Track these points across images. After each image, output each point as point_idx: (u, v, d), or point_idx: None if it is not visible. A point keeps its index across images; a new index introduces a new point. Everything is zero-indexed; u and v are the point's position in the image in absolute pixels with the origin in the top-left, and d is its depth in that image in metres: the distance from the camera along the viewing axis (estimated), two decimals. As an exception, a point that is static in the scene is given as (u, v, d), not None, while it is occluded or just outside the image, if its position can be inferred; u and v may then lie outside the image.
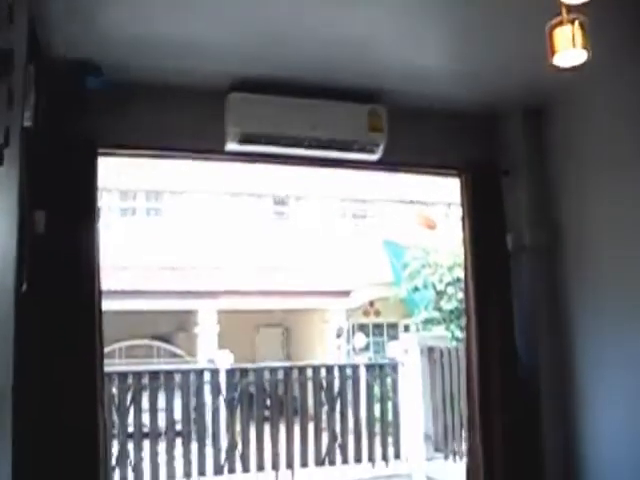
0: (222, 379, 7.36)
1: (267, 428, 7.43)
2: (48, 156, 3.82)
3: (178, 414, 7.21)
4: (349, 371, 7.83)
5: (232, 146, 4.26)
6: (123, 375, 7.03)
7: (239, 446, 7.19)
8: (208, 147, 4.40)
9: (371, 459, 7.60)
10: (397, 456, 7.67)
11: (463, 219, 4.91)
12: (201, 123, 4.31)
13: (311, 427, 7.58)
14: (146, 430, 7.01)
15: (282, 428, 7.49)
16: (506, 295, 4.79)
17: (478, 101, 4.69)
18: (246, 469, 7.17)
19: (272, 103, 4.22)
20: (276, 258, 15.81)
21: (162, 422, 7.11)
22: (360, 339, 15.81)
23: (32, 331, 3.55)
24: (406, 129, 4.59)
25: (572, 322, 4.70)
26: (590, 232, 4.59)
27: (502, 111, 4.86)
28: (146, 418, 7.01)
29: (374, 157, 4.48)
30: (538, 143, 4.87)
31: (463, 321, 6.64)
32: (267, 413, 7.63)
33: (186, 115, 4.32)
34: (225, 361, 8.39)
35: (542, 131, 4.86)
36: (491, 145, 4.93)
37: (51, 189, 3.86)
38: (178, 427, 7.19)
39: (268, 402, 7.74)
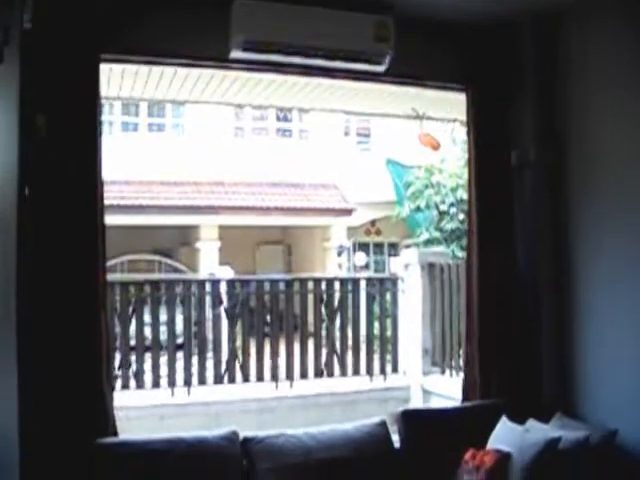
0: (223, 289, 7.43)
1: (267, 344, 7.54)
2: (49, 60, 3.76)
3: (179, 328, 7.31)
4: (350, 285, 7.89)
5: (236, 54, 4.18)
6: (124, 285, 7.09)
7: (239, 357, 7.32)
8: (211, 54, 4.34)
9: (369, 372, 7.74)
10: (395, 370, 7.81)
11: (468, 134, 4.89)
12: (205, 30, 4.23)
13: (311, 343, 7.70)
14: (148, 343, 7.12)
15: (282, 343, 7.61)
16: (508, 211, 4.81)
17: (487, 11, 4.58)
18: (246, 379, 7.31)
19: (278, 10, 4.12)
20: (278, 175, 15.76)
21: (163, 335, 7.21)
22: (361, 257, 15.92)
23: (35, 237, 3.58)
24: (413, 41, 4.52)
25: (574, 237, 4.71)
26: (595, 148, 4.56)
27: (510, 21, 4.76)
28: (148, 332, 7.11)
29: (380, 68, 4.41)
30: (547, 57, 4.79)
31: (464, 242, 6.68)
32: (267, 329, 7.73)
33: (190, 21, 4.23)
34: (226, 275, 8.47)
35: (552, 44, 4.78)
36: (498, 60, 4.84)
37: (53, 93, 3.81)
38: (179, 340, 7.29)
39: (268, 318, 7.83)
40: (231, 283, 7.55)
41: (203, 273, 13.27)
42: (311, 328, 7.79)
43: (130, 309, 6.99)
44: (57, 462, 3.64)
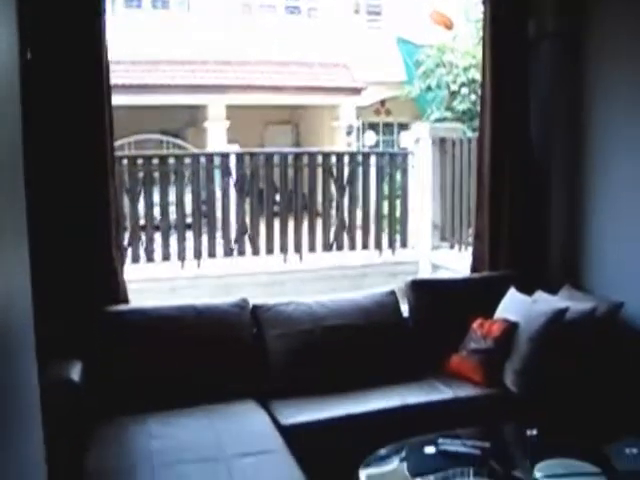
0: (232, 162, 7.35)
1: (276, 223, 7.53)
2: None
3: (188, 208, 7.29)
4: (359, 158, 7.80)
5: None
6: (132, 159, 7.03)
7: (249, 231, 7.32)
8: None
9: (378, 246, 7.76)
10: (404, 244, 7.82)
11: (485, 4, 4.70)
12: None
13: (319, 221, 7.69)
14: (157, 223, 7.12)
15: (291, 222, 7.60)
16: (523, 89, 4.67)
17: None
18: (256, 252, 7.33)
19: None
20: (287, 54, 15.42)
21: (172, 215, 7.20)
22: (370, 137, 15.76)
23: (41, 108, 3.51)
24: None
25: (588, 111, 4.61)
26: (614, 21, 4.40)
27: None
28: (157, 212, 7.09)
29: None
30: None
31: (476, 123, 6.56)
32: (276, 209, 7.71)
33: None
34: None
35: None
36: None
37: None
38: (189, 220, 7.28)
39: (277, 198, 7.79)
40: (240, 156, 7.45)
41: (211, 152, 13.16)
42: (320, 208, 7.76)
43: (139, 186, 6.94)
44: (69, 330, 3.68)
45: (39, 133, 3.46)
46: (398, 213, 7.88)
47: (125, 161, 6.86)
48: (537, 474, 3.18)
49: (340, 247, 7.62)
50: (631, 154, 4.35)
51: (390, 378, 3.92)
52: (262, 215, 7.47)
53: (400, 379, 3.93)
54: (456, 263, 6.51)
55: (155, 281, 6.56)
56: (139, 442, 3.21)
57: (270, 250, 7.39)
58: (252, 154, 7.53)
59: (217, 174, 7.38)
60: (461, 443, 3.34)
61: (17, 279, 2.46)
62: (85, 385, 3.41)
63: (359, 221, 7.75)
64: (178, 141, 14.79)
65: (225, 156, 7.44)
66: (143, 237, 6.96)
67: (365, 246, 7.73)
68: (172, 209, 7.19)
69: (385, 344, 4.08)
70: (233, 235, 7.30)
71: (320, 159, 7.68)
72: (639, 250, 4.33)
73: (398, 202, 7.91)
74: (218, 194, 7.40)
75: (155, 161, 7.17)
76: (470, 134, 8.64)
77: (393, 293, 4.31)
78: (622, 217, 4.44)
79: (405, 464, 3.25)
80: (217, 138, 14.46)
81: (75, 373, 3.35)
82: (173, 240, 7.12)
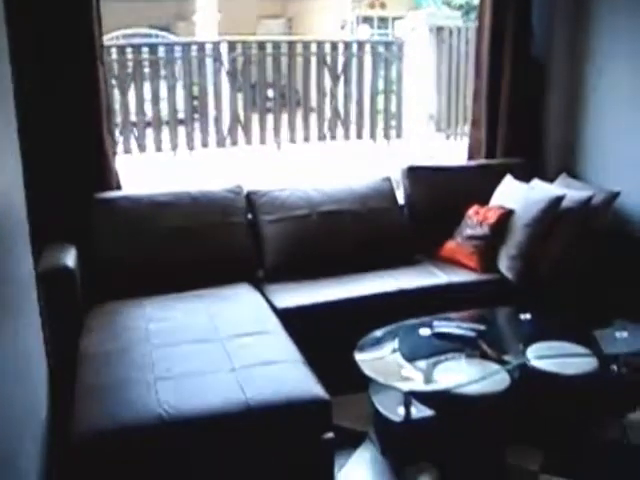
0: (224, 50, 7.13)
1: (270, 118, 7.38)
2: None
3: (180, 104, 7.12)
4: (354, 47, 7.59)
5: None
6: (121, 49, 6.83)
7: (242, 121, 7.19)
8: None
9: (372, 137, 7.64)
10: (399, 135, 7.71)
11: None
12: None
13: (313, 116, 7.54)
14: (148, 119, 6.97)
15: (284, 117, 7.45)
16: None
17: None
18: (249, 142, 7.22)
19: None
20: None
21: (164, 111, 7.04)
22: (364, 30, 15.39)
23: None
24: None
25: (590, 11, 4.50)
26: None
27: None
28: (148, 108, 6.93)
29: None
30: None
31: (472, 16, 6.38)
32: (269, 104, 7.55)
33: None
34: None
35: None
36: None
37: None
38: (181, 116, 7.13)
39: (270, 93, 7.63)
40: (232, 45, 7.22)
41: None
42: (314, 104, 7.58)
43: (129, 78, 6.77)
44: (64, 217, 3.65)
45: (23, 19, 3.34)
46: (394, 104, 7.73)
47: (114, 50, 6.67)
48: (529, 355, 3.24)
49: (334, 137, 7.49)
50: (632, 46, 4.27)
51: (385, 263, 3.94)
52: (255, 110, 7.32)
53: (396, 264, 3.95)
54: (453, 153, 6.45)
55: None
56: (136, 325, 3.22)
57: (263, 141, 7.28)
58: (244, 42, 7.31)
59: (209, 64, 7.17)
60: (455, 326, 3.39)
61: (8, 167, 2.42)
62: (80, 271, 3.41)
63: (354, 113, 7.60)
64: (168, 35, 14.43)
65: (217, 44, 7.23)
66: (135, 131, 6.83)
67: (359, 136, 7.58)
68: (164, 105, 7.02)
69: (380, 230, 4.08)
70: (226, 126, 7.17)
71: (314, 47, 7.47)
72: (635, 141, 4.30)
73: (393, 93, 7.74)
74: (210, 88, 7.22)
75: (145, 49, 6.96)
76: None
77: (389, 179, 4.28)
78: (620, 108, 4.38)
79: (399, 345, 3.28)
80: (208, 32, 14.11)
81: (70, 259, 3.34)
82: (165, 135, 7.00)
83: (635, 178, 4.30)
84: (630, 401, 3.49)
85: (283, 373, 2.78)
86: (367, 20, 16.35)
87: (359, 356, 3.11)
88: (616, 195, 4.15)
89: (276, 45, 7.41)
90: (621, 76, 4.35)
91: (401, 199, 4.32)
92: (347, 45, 7.68)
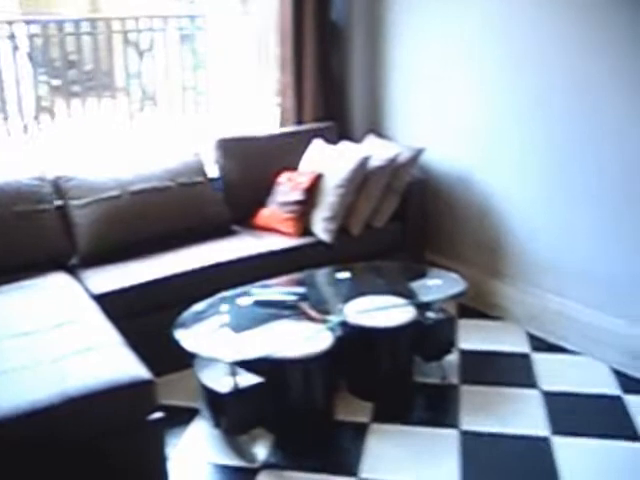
0: (21, 31, 6.73)
1: (76, 101, 7.06)
2: None
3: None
4: (158, 22, 7.36)
5: None
6: None
7: (46, 106, 6.85)
8: None
9: (184, 112, 7.48)
10: (211, 109, 7.57)
11: None
12: None
13: (124, 97, 7.29)
14: None
15: (92, 100, 7.16)
16: None
17: None
18: (55, 126, 6.87)
19: None
20: None
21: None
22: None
23: None
24: None
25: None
26: None
27: None
28: None
29: None
30: None
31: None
32: (75, 89, 7.22)
33: None
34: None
35: None
36: None
37: None
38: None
39: (75, 75, 7.28)
40: (30, 24, 6.81)
41: None
42: (121, 83, 7.31)
43: None
44: None
45: None
46: (204, 79, 7.60)
47: None
48: (348, 312, 3.34)
49: (144, 116, 7.27)
50: (421, 13, 4.46)
51: (202, 237, 3.92)
52: (60, 93, 6.98)
53: (212, 237, 3.94)
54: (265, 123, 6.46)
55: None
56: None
57: (70, 125, 6.96)
58: (43, 21, 6.93)
59: (6, 45, 6.74)
60: (276, 292, 3.43)
61: None
62: None
63: (164, 90, 7.42)
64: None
65: (10, 24, 6.81)
66: None
67: (170, 113, 7.41)
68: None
69: (193, 204, 4.03)
70: (29, 111, 6.80)
71: (118, 25, 7.19)
72: (436, 99, 4.50)
73: (203, 67, 7.61)
74: (8, 72, 6.79)
75: None
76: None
77: (198, 154, 4.24)
78: (421, 67, 4.56)
79: (221, 317, 3.29)
80: (5, 10, 13.32)
81: None
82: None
83: (437, 134, 4.51)
84: (446, 343, 3.69)
85: (103, 358, 2.70)
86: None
87: (180, 332, 3.09)
88: (421, 151, 4.33)
89: (77, 24, 7.09)
90: (418, 35, 4.51)
91: (214, 171, 4.29)
92: (151, 20, 7.46)
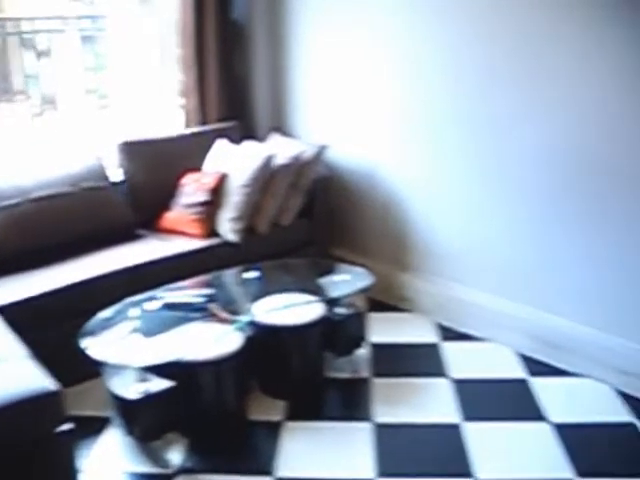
0: None
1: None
2: None
3: None
4: (57, 23, 7.18)
5: None
6: None
7: None
8: None
9: (86, 115, 7.32)
10: (115, 111, 7.45)
11: None
12: None
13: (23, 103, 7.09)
14: None
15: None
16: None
17: None
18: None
19: None
20: None
21: None
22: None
23: None
24: None
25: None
26: None
27: None
28: None
29: None
30: None
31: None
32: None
33: None
34: None
35: None
36: None
37: None
38: None
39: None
40: None
41: None
42: (20, 86, 7.10)
43: None
44: None
45: None
46: (106, 81, 7.46)
47: None
48: (257, 311, 3.34)
49: (44, 120, 7.09)
50: (323, 9, 4.49)
51: (107, 243, 3.85)
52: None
53: (118, 242, 3.87)
54: (171, 126, 6.39)
55: None
56: None
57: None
58: None
59: None
60: (184, 294, 3.41)
61: None
62: None
63: (65, 93, 7.25)
64: None
65: None
66: None
67: (70, 117, 7.24)
68: None
69: (97, 209, 3.96)
70: None
71: (11, 27, 6.98)
72: (338, 97, 4.54)
73: (105, 69, 7.47)
74: None
75: None
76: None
77: (100, 158, 4.15)
78: (321, 65, 4.61)
79: (130, 322, 3.24)
80: None
81: None
82: None
83: (341, 131, 4.55)
84: (356, 338, 3.73)
85: (6, 372, 2.63)
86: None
87: (86, 341, 3.03)
88: (324, 148, 4.36)
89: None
90: (320, 32, 4.55)
91: (117, 175, 4.22)
92: (50, 21, 7.27)
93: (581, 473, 2.92)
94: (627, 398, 3.44)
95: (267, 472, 2.93)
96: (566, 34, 3.36)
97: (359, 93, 4.41)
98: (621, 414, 3.33)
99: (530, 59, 3.52)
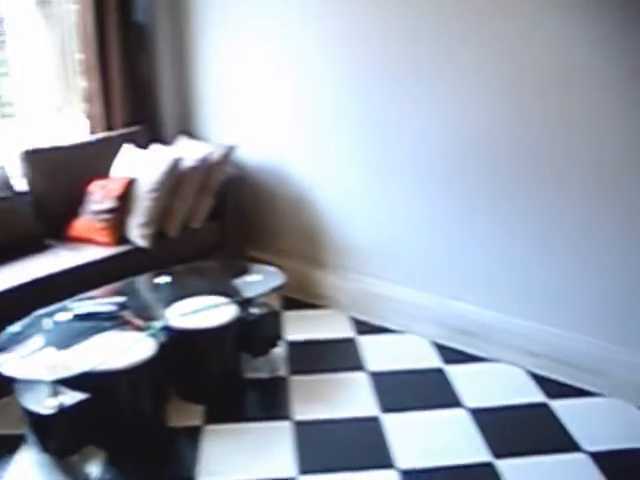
0: None
1: None
2: None
3: None
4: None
5: None
6: None
7: None
8: None
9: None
10: (16, 120, 7.26)
11: None
12: None
13: None
14: None
15: None
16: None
17: None
18: None
19: None
20: None
21: None
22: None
23: None
24: None
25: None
26: None
27: None
28: None
29: None
30: None
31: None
32: None
33: None
34: None
35: None
36: None
37: None
38: None
39: None
40: None
41: None
42: None
43: None
44: None
45: None
46: (6, 87, 7.25)
47: None
48: (170, 316, 3.32)
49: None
50: (228, 8, 4.48)
51: (13, 255, 3.73)
52: None
53: (24, 254, 3.76)
54: (76, 133, 6.26)
55: None
56: None
57: None
58: None
59: None
60: (95, 303, 3.35)
61: None
62: None
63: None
64: None
65: None
66: None
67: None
68: None
69: (2, 220, 3.83)
70: None
71: None
72: (244, 98, 4.54)
73: (4, 75, 7.26)
74: None
75: None
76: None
77: (3, 167, 4.04)
78: (227, 66, 4.60)
79: (41, 335, 3.17)
80: None
81: None
82: None
83: (250, 131, 4.56)
84: (272, 337, 3.74)
85: None
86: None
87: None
88: (233, 149, 4.36)
89: None
90: (226, 32, 4.54)
91: (24, 185, 4.11)
92: None
93: (497, 455, 3.01)
94: (539, 379, 3.56)
95: (189, 478, 2.92)
96: (460, 26, 3.44)
97: (263, 92, 4.42)
98: (533, 395, 3.45)
99: (432, 53, 3.59)
